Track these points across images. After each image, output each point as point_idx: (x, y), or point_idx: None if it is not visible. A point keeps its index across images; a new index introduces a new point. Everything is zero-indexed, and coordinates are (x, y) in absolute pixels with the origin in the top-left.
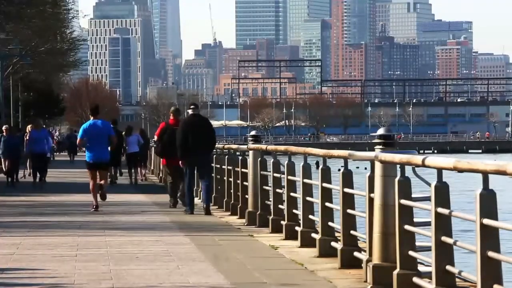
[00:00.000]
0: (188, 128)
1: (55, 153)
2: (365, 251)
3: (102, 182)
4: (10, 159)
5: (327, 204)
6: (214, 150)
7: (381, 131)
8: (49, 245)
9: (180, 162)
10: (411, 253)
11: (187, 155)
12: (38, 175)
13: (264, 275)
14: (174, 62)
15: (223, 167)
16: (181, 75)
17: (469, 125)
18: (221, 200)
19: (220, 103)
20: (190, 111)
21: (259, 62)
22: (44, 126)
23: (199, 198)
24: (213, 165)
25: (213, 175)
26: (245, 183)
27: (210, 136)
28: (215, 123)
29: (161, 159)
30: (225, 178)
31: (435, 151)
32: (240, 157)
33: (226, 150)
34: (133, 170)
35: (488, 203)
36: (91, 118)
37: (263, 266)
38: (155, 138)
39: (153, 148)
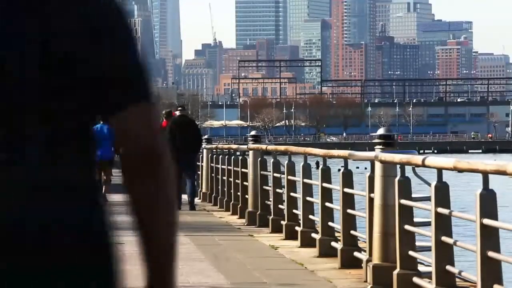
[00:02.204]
0: (176, 128)
1: None
2: (365, 251)
3: (106, 177)
4: None
5: (327, 204)
6: (214, 150)
7: (381, 131)
8: None
9: None
10: (411, 253)
11: (175, 154)
12: None
13: (264, 275)
14: (174, 62)
15: (223, 167)
16: (181, 75)
17: (469, 125)
18: (221, 200)
19: (220, 103)
20: (177, 113)
21: (259, 62)
22: None
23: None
24: (213, 164)
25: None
26: (245, 183)
27: (197, 136)
28: (215, 123)
29: None
30: (225, 178)
31: (435, 151)
32: (240, 157)
33: (226, 150)
34: None
35: (488, 203)
36: (101, 122)
37: (263, 266)
38: None
39: None
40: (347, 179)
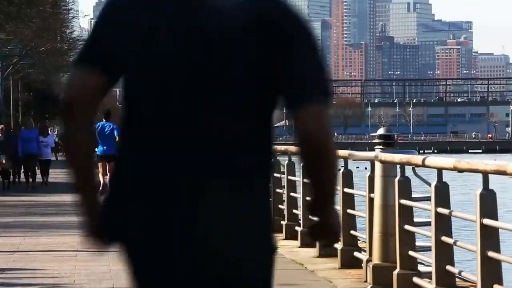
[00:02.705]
0: None
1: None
2: (365, 251)
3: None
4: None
5: None
6: None
7: (381, 131)
8: (49, 245)
9: None
10: (411, 253)
11: None
12: (35, 177)
13: None
14: None
15: None
16: None
17: (469, 125)
18: None
19: None
20: None
21: None
22: (47, 126)
23: None
24: None
25: None
26: None
27: None
28: None
29: None
30: None
31: (435, 151)
32: None
33: None
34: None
35: (488, 203)
36: (103, 120)
37: None
38: None
39: None
40: (347, 179)
